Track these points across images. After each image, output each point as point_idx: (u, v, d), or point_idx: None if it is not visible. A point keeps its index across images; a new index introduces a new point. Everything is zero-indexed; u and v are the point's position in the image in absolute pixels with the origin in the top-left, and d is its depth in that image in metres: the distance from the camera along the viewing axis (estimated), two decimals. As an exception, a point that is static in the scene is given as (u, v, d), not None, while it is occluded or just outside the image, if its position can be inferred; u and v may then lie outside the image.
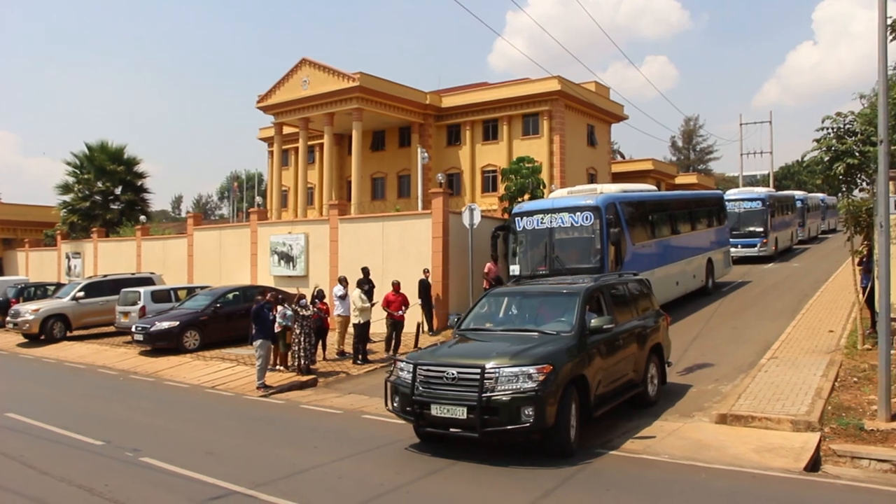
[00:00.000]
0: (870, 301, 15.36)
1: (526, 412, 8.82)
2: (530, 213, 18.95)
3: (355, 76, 41.74)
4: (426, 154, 31.33)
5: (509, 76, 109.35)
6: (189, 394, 16.09)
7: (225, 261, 28.44)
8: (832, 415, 10.75)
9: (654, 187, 25.29)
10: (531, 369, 8.97)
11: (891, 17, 28.92)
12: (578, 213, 18.07)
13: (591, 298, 10.99)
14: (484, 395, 8.91)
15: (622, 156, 72.72)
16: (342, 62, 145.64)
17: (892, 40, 30.50)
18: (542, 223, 18.56)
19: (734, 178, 66.82)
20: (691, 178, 67.55)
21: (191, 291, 24.19)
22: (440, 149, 46.97)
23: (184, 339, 20.43)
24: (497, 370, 9.00)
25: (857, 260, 16.05)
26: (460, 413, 9.01)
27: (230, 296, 22.14)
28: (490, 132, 46.11)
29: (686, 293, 22.10)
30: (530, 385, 8.89)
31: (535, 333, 10.29)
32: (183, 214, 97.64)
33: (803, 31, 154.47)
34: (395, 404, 9.92)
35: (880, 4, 10.82)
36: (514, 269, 18.82)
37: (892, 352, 11.92)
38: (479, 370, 9.04)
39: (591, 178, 45.54)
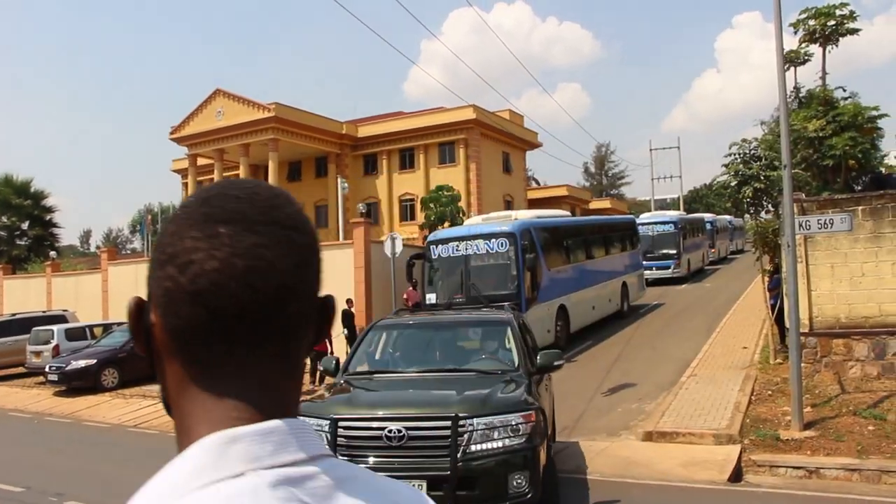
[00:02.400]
0: (779, 318, 16.04)
1: (516, 480, 6.48)
2: (445, 241, 18.80)
3: (270, 106, 41.49)
4: (346, 185, 31.33)
5: (425, 104, 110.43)
6: (111, 434, 15.61)
7: (142, 295, 27.71)
8: (750, 427, 11.22)
9: (568, 213, 25.92)
10: (515, 418, 6.58)
11: (784, 49, 30.44)
12: (494, 240, 17.97)
13: (521, 329, 8.98)
14: (459, 460, 6.33)
15: (537, 182, 73.93)
16: (257, 93, 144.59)
17: (786, 70, 32.14)
18: (457, 251, 18.34)
19: (646, 202, 68.67)
20: (605, 203, 69.16)
21: (107, 328, 23.46)
22: (357, 178, 46.94)
23: (102, 378, 19.78)
24: (471, 421, 6.46)
25: (766, 279, 16.76)
26: None
27: (149, 332, 21.55)
28: (407, 161, 46.36)
29: (602, 317, 22.39)
30: (517, 441, 6.51)
31: (472, 373, 7.93)
32: (92, 249, 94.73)
33: (707, 60, 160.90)
34: None
35: (777, 39, 11.46)
36: (431, 298, 18.44)
37: (802, 365, 12.51)
38: (447, 422, 6.44)
39: (508, 205, 46.16)
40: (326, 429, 6.60)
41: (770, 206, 16.32)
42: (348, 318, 20.28)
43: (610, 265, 23.98)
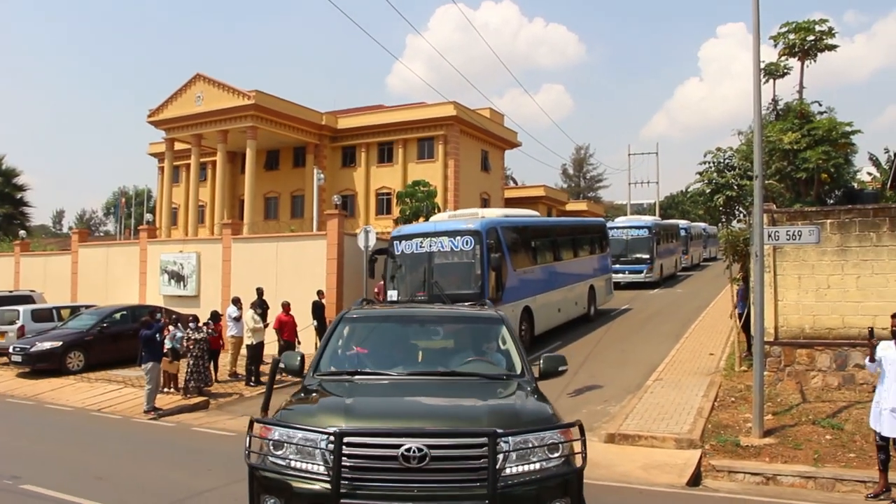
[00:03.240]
0: (746, 326, 16.26)
1: None
2: (409, 237, 18.42)
3: (251, 94, 41.26)
4: (322, 175, 31.20)
5: (407, 99, 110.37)
6: (73, 417, 15.49)
7: (112, 279, 27.53)
8: (712, 432, 11.38)
9: (537, 213, 25.30)
10: (553, 435, 5.43)
11: (763, 61, 30.89)
12: (459, 238, 17.59)
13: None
14: (499, 484, 5.08)
15: (515, 182, 74.22)
16: (238, 79, 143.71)
17: (765, 82, 32.67)
18: (421, 247, 17.99)
19: (622, 205, 69.19)
20: (581, 205, 69.44)
21: (75, 310, 23.28)
22: (335, 170, 46.82)
23: (67, 361, 19.65)
24: (506, 439, 5.21)
25: (734, 287, 16.96)
26: None
27: (117, 315, 21.43)
28: (385, 155, 46.30)
29: (568, 320, 22.27)
30: (555, 462, 5.35)
31: (473, 378, 6.71)
32: (65, 230, 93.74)
33: (691, 68, 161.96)
34: None
35: (754, 51, 11.61)
36: (392, 295, 18.12)
37: (766, 373, 12.70)
38: (482, 438, 5.15)
39: (485, 203, 46.26)
40: (324, 445, 5.20)
41: (742, 214, 16.51)
42: (319, 309, 20.27)
43: (578, 268, 23.72)
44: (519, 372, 6.80)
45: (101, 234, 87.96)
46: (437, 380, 6.67)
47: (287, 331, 18.29)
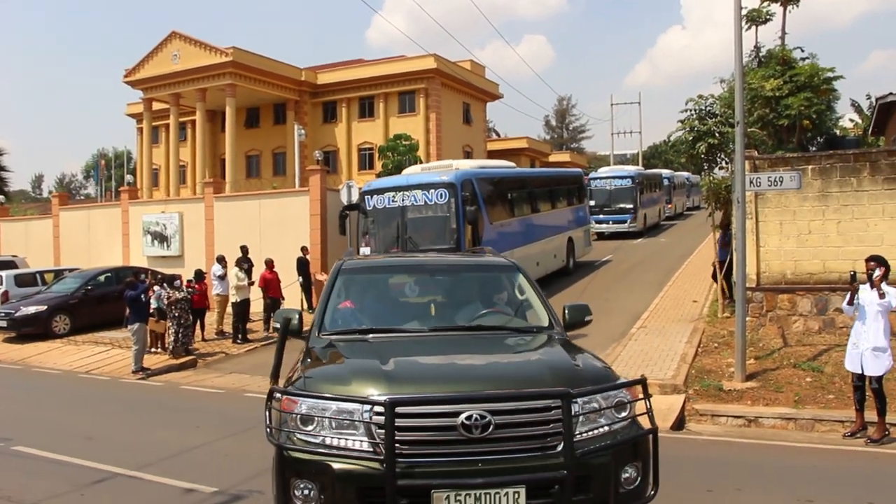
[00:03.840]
0: (728, 273, 16.40)
1: (627, 474, 4.68)
2: (381, 191, 17.78)
3: (228, 51, 40.76)
4: (303, 131, 30.97)
5: (388, 52, 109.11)
6: (61, 380, 15.55)
7: (94, 242, 27.36)
8: (695, 378, 11.56)
9: (512, 164, 24.51)
10: (621, 394, 4.85)
11: (745, 8, 30.72)
12: (432, 191, 16.94)
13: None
14: (577, 451, 4.38)
15: (497, 134, 73.89)
16: (214, 36, 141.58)
17: (747, 29, 32.57)
18: (393, 201, 17.37)
19: (605, 156, 69.17)
20: (564, 156, 69.40)
21: (58, 274, 23.19)
22: (316, 126, 46.52)
23: (53, 324, 19.63)
24: (576, 400, 4.51)
25: (716, 235, 17.07)
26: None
27: (101, 278, 21.38)
28: (366, 109, 46.03)
29: (547, 274, 21.63)
30: (623, 424, 4.78)
31: (504, 332, 6.09)
32: (45, 194, 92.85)
33: (673, 16, 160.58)
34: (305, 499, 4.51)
35: (737, -6, 11.54)
36: (365, 252, 17.33)
37: (748, 319, 12.86)
38: (555, 400, 4.44)
39: (468, 156, 46.14)
40: (367, 416, 4.38)
41: (724, 162, 16.55)
42: (303, 265, 20.27)
43: (555, 220, 23.12)
44: (547, 324, 6.13)
45: (82, 197, 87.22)
46: (464, 335, 5.95)
47: (272, 288, 18.32)
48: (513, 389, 4.65)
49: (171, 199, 33.94)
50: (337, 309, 6.26)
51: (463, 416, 4.30)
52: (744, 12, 28.33)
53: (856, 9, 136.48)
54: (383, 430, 4.26)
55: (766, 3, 32.81)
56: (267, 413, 4.63)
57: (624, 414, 4.76)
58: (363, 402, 4.43)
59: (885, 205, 13.41)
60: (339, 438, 4.44)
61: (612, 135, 62.17)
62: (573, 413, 4.42)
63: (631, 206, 33.43)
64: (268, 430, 4.59)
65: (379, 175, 35.25)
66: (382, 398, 4.33)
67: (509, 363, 5.37)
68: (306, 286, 20.49)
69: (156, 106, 45.67)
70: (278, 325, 6.18)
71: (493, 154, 51.37)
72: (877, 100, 22.38)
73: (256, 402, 12.12)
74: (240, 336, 17.75)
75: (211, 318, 19.01)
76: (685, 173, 49.44)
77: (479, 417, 4.31)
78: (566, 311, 6.28)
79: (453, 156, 42.49)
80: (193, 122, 46.37)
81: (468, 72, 47.76)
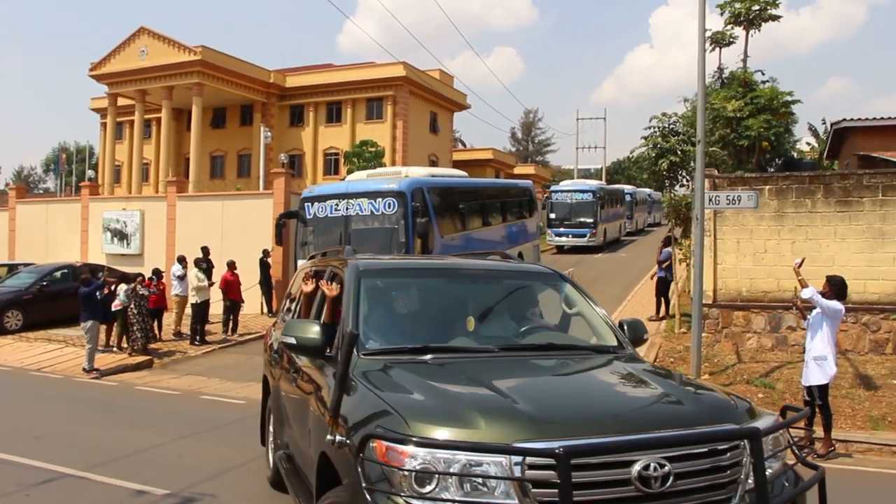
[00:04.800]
0: (662, 290, 17.94)
1: None
2: (323, 198, 16.43)
3: (197, 49, 40.42)
4: (269, 133, 30.93)
5: (359, 58, 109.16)
6: (11, 377, 15.30)
7: (52, 237, 26.98)
8: (650, 392, 11.70)
9: (464, 173, 23.08)
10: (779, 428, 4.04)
11: (709, 30, 31.32)
12: (380, 200, 15.63)
13: None
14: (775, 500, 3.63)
15: (463, 144, 74.10)
16: (184, 35, 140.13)
17: (711, 51, 33.21)
18: (336, 210, 16.06)
19: (570, 170, 69.66)
20: (529, 169, 69.70)
21: (12, 269, 22.84)
22: (283, 129, 46.30)
23: (4, 320, 19.28)
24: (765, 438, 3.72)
25: (679, 253, 17.37)
26: None
27: (58, 274, 21.08)
28: (334, 114, 45.92)
29: None
30: (783, 460, 4.07)
31: (581, 350, 5.20)
32: (2, 187, 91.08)
33: (641, 35, 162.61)
34: None
35: (700, 18, 11.79)
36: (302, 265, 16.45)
37: (704, 335, 13.09)
38: (739, 441, 3.65)
39: (433, 165, 46.19)
40: (520, 472, 3.29)
41: (685, 180, 16.84)
42: (265, 268, 20.20)
43: (507, 234, 22.03)
44: (615, 342, 5.23)
45: (41, 191, 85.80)
46: (544, 357, 5.06)
47: (232, 290, 18.22)
48: (685, 429, 3.67)
49: (133, 196, 33.58)
50: (369, 321, 4.98)
51: (637, 466, 3.36)
52: (708, 34, 28.84)
53: (816, 37, 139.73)
54: (546, 491, 3.25)
55: (729, 27, 33.51)
56: (359, 465, 3.42)
57: (780, 449, 3.98)
58: (519, 451, 3.28)
59: (836, 226, 13.76)
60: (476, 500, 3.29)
61: (577, 149, 62.68)
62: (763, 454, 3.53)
63: (591, 220, 33.58)
64: (361, 487, 3.40)
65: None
66: (552, 446, 3.22)
67: (650, 396, 4.20)
68: (267, 289, 20.42)
69: (121, 101, 45.04)
70: (293, 340, 4.80)
71: (458, 164, 51.44)
72: (832, 125, 22.95)
73: (213, 404, 12.13)
74: (198, 338, 17.60)
75: (169, 318, 18.84)
76: (647, 189, 50.04)
77: (657, 467, 3.38)
78: (625, 328, 5.42)
79: (419, 164, 42.57)
80: (159, 119, 45.80)
81: (437, 81, 47.91)
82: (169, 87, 41.52)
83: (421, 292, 5.75)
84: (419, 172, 19.03)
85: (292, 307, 7.14)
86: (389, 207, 15.59)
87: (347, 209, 15.98)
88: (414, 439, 3.29)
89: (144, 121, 45.32)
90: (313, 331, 4.81)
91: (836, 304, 9.17)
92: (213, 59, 41.09)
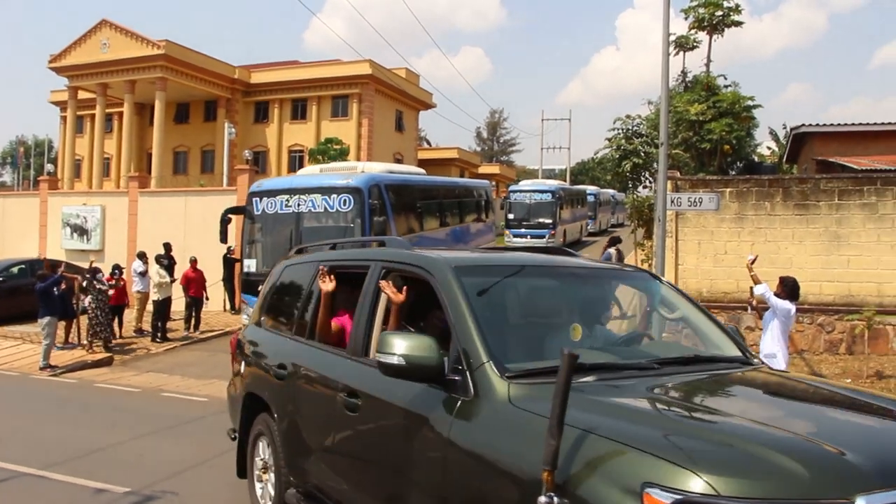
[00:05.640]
0: None
1: None
2: (273, 193, 15.24)
3: (160, 43, 39.96)
4: (233, 129, 30.69)
5: (326, 56, 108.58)
6: (-34, 375, 15.03)
7: (8, 232, 26.53)
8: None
9: (422, 170, 22.28)
10: None
11: (674, 34, 31.72)
12: (335, 196, 14.57)
13: None
14: None
15: (429, 143, 74.14)
16: (148, 29, 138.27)
17: (675, 54, 33.64)
18: (287, 206, 14.88)
19: (535, 170, 69.95)
20: (494, 169, 69.91)
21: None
22: (247, 125, 45.95)
23: (-39, 316, 18.92)
24: None
25: (641, 254, 17.57)
26: None
27: (15, 269, 20.73)
28: (299, 111, 45.72)
29: None
30: None
31: (731, 363, 4.27)
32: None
33: (607, 37, 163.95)
34: None
35: (664, 22, 11.96)
36: (250, 265, 15.25)
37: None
38: None
39: (399, 163, 46.12)
40: None
41: (648, 181, 17.07)
42: (228, 265, 20.06)
43: (465, 235, 21.41)
44: (738, 352, 4.43)
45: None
46: (700, 372, 4.01)
47: (193, 287, 18.06)
48: None
49: (93, 191, 33.15)
50: (492, 332, 3.84)
51: None
52: (672, 38, 29.20)
53: (778, 43, 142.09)
54: None
55: (693, 31, 33.94)
56: None
57: None
58: None
59: (794, 229, 14.03)
60: None
61: (542, 149, 62.90)
62: None
63: (550, 220, 33.20)
64: None
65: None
66: None
67: None
68: (230, 286, 20.28)
69: (81, 95, 44.37)
70: (400, 361, 3.66)
71: (423, 163, 51.36)
72: (791, 130, 23.36)
73: (174, 401, 12.02)
74: (159, 334, 17.43)
75: (129, 315, 18.62)
76: (611, 190, 50.39)
77: None
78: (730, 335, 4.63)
79: (385, 162, 42.53)
80: (121, 113, 45.27)
81: (403, 79, 47.91)
82: (131, 81, 41.03)
83: (528, 295, 4.85)
84: (376, 168, 18.06)
85: (291, 311, 5.97)
86: (345, 204, 14.55)
87: (299, 205, 14.79)
88: (723, 497, 2.44)
89: (106, 115, 44.65)
90: (431, 349, 3.69)
91: (786, 304, 9.31)
92: (176, 53, 40.66)
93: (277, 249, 14.13)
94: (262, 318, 6.51)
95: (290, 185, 15.48)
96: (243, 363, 6.37)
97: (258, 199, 15.30)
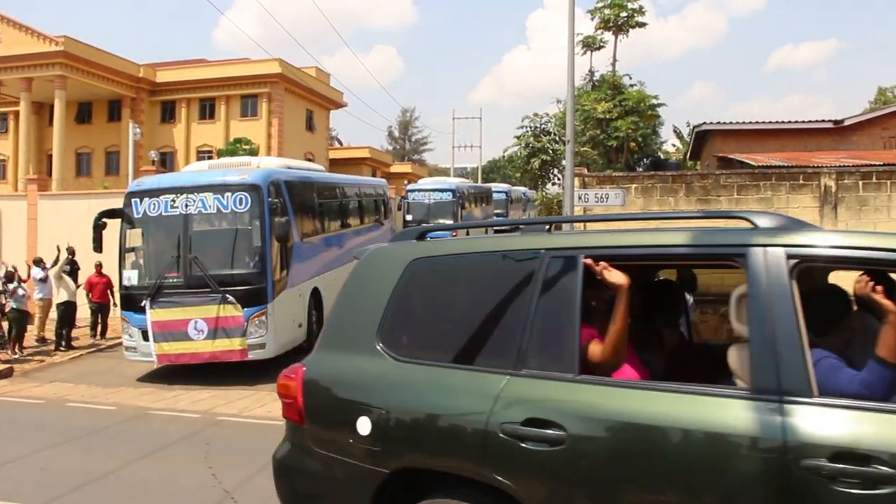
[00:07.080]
0: None
1: None
2: (155, 193, 13.15)
3: (59, 39, 38.54)
4: (138, 130, 29.81)
5: (235, 54, 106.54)
6: None
7: None
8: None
9: (321, 167, 21.24)
10: None
11: (580, 34, 32.38)
12: (229, 195, 12.78)
13: None
14: None
15: (340, 142, 73.71)
16: (45, 25, 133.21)
17: (583, 54, 34.37)
18: (173, 207, 12.93)
19: (447, 169, 70.36)
20: (406, 167, 70.01)
21: None
22: (153, 125, 44.81)
23: None
24: None
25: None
26: None
27: None
28: (207, 111, 44.91)
29: None
30: None
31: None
32: None
33: (519, 37, 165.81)
34: None
35: (570, 21, 12.22)
36: (130, 277, 13.35)
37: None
38: None
39: (309, 162, 45.74)
40: None
41: (557, 178, 17.37)
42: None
43: (367, 236, 19.69)
44: None
45: None
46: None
47: (97, 292, 17.48)
48: None
49: (-12, 195, 31.79)
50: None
51: None
52: (579, 38, 29.80)
53: (683, 44, 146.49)
54: None
55: (600, 31, 34.72)
56: None
57: None
58: None
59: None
60: None
61: (453, 148, 63.56)
62: None
63: (451, 221, 29.83)
64: None
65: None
66: None
67: None
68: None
69: (-26, 94, 42.53)
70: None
71: (334, 162, 51.21)
72: (693, 128, 24.15)
73: (80, 411, 11.64)
74: (63, 343, 16.83)
75: (31, 328, 17.92)
76: (522, 188, 50.94)
77: None
78: None
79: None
80: (17, 113, 43.51)
81: (313, 78, 47.55)
82: (28, 78, 39.42)
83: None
84: (273, 163, 16.33)
85: (489, 331, 3.77)
86: (241, 204, 12.80)
87: (187, 206, 12.88)
88: None
89: (1, 114, 42.89)
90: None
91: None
92: (76, 50, 39.29)
93: (162, 259, 12.98)
94: (382, 346, 3.91)
95: (175, 184, 13.46)
96: (368, 422, 3.71)
97: (138, 199, 13.26)
